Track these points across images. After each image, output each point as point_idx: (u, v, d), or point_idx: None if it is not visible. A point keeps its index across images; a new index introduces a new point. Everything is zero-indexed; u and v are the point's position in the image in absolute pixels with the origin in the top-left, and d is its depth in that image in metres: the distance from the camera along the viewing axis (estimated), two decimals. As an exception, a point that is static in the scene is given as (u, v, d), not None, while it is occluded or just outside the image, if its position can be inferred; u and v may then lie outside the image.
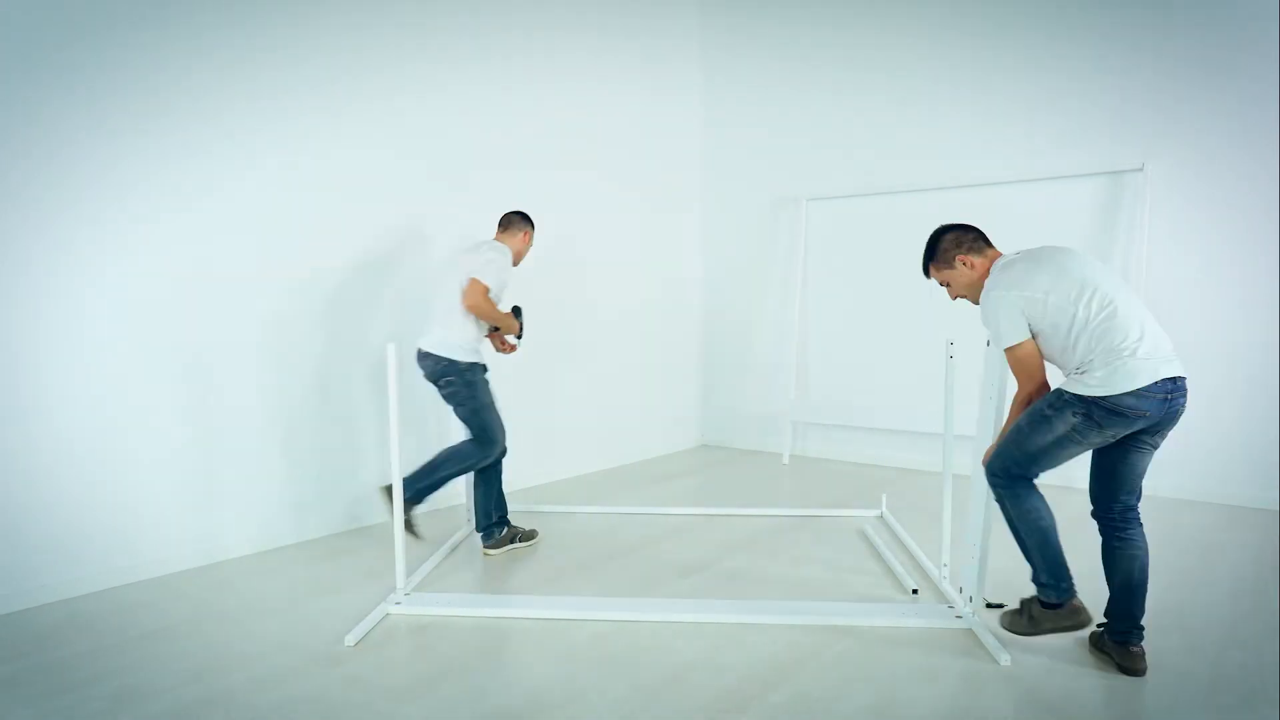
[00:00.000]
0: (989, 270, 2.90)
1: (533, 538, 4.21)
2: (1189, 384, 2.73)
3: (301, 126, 4.22)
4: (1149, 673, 2.76)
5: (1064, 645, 2.99)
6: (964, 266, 2.95)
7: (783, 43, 6.38)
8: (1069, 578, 2.86)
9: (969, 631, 3.09)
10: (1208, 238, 4.89)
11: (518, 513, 4.75)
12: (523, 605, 3.34)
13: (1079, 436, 2.70)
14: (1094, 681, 2.72)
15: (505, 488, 4.16)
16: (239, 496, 4.06)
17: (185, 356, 3.86)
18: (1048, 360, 2.81)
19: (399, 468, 3.37)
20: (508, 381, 5.26)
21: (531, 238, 4.16)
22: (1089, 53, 5.15)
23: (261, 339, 4.12)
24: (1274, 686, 2.68)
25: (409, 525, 3.76)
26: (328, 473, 4.40)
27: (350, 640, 3.03)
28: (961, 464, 3.73)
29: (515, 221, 4.12)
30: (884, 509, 4.68)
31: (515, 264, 4.08)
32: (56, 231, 3.45)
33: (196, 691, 2.70)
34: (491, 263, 3.86)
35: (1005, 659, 2.82)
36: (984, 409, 3.05)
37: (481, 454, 3.93)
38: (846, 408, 6.18)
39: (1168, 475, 5.02)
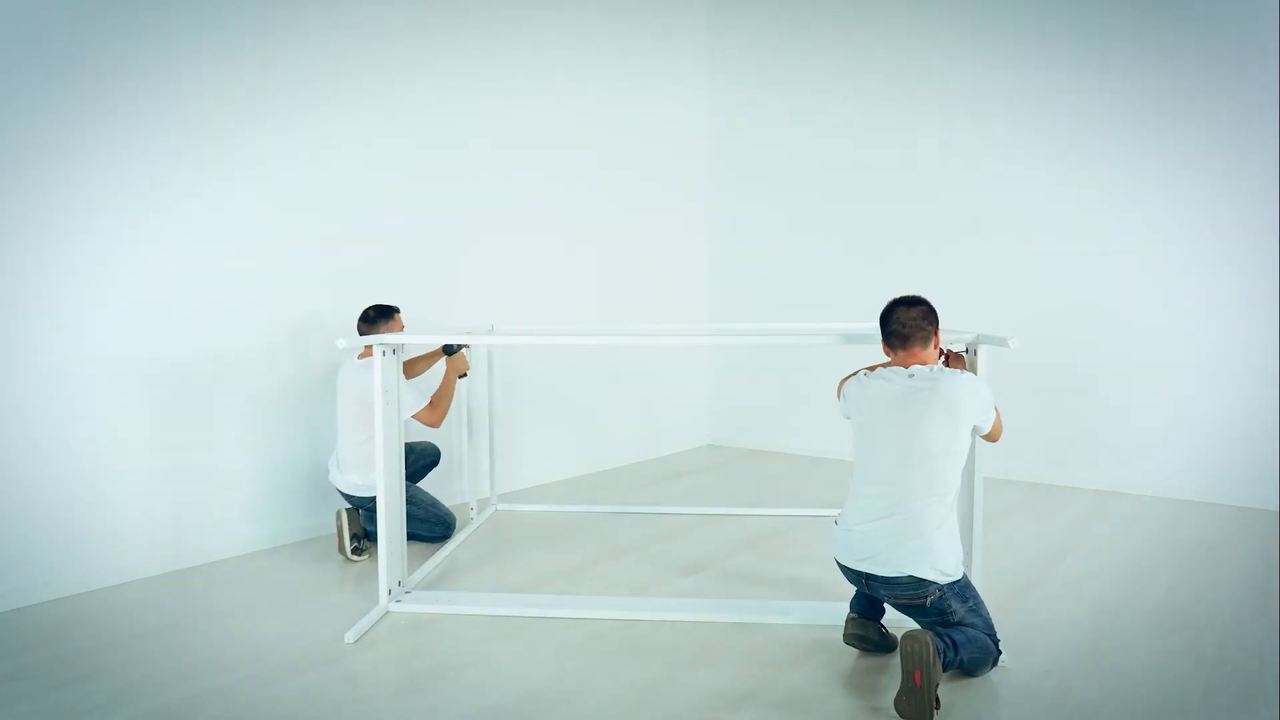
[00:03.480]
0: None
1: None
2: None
3: (293, 126, 4.21)
4: (1149, 673, 2.77)
5: (1064, 646, 2.99)
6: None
7: (788, 44, 6.37)
8: None
9: (969, 631, 3.08)
10: (1207, 237, 4.88)
11: (521, 512, 4.76)
12: (522, 603, 3.34)
13: None
14: (1094, 681, 2.72)
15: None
16: (239, 495, 4.06)
17: (186, 356, 3.86)
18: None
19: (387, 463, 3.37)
20: (513, 382, 5.27)
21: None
22: (1092, 51, 5.14)
23: (267, 336, 4.12)
24: (1274, 687, 2.68)
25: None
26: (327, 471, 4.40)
27: (349, 638, 3.03)
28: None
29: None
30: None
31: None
32: (57, 239, 3.45)
33: (196, 687, 2.70)
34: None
35: (1005, 659, 2.82)
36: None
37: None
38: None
39: (1168, 475, 5.01)
